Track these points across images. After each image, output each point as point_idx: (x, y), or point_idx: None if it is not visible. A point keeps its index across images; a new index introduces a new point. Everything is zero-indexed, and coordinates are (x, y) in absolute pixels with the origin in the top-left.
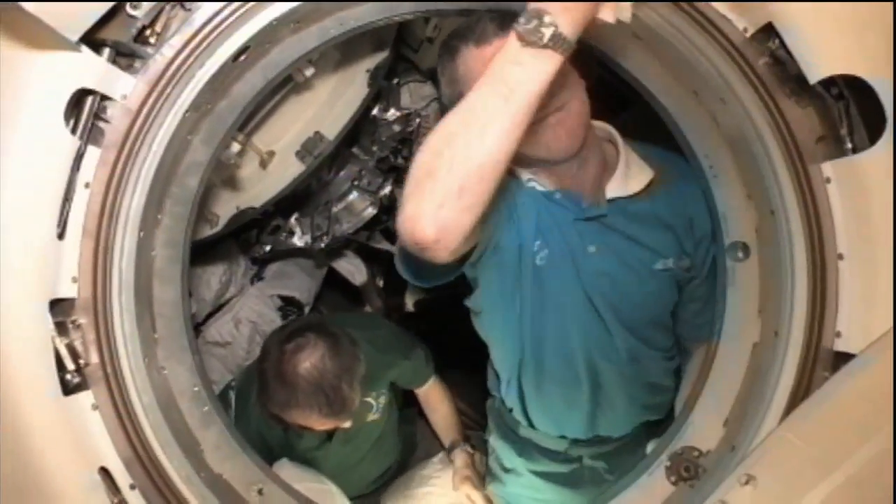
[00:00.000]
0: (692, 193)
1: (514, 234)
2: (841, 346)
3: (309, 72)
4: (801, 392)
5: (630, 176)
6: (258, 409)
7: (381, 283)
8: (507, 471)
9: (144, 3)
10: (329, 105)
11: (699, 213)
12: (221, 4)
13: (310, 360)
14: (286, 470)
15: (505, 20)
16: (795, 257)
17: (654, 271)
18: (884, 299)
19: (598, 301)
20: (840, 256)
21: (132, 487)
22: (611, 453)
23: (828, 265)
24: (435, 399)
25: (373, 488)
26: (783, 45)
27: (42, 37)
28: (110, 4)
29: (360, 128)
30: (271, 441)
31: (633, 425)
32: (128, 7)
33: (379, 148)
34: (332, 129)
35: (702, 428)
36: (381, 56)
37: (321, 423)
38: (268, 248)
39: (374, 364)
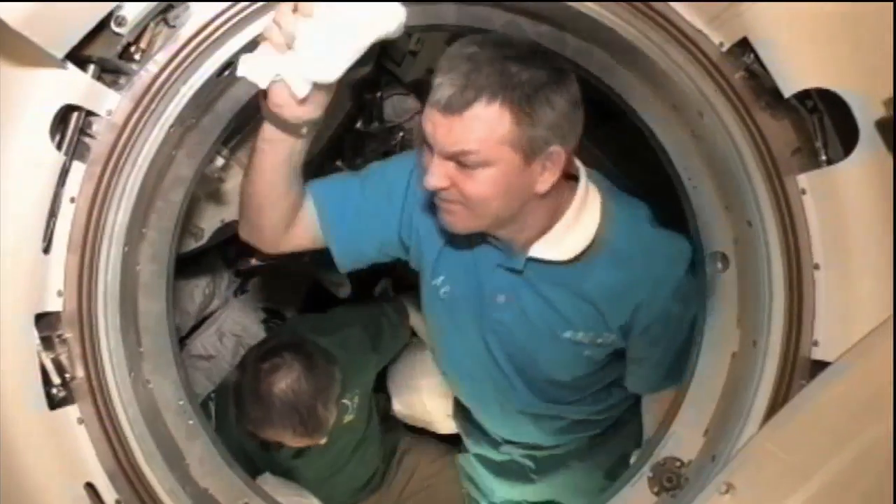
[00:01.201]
0: (648, 279)
1: (416, 253)
2: (818, 354)
3: None
4: (780, 401)
5: (563, 243)
6: (236, 423)
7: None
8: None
9: (129, 21)
10: None
11: (648, 302)
12: (205, 21)
13: (285, 380)
14: (269, 484)
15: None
16: (773, 268)
17: (561, 338)
18: (860, 308)
19: (494, 348)
20: (816, 266)
21: (118, 503)
22: (543, 457)
23: (804, 275)
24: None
25: (358, 497)
26: (758, 59)
27: (27, 54)
28: (95, 22)
29: (344, 141)
30: (251, 452)
31: (561, 441)
32: (112, 24)
33: (363, 161)
34: (315, 143)
35: (682, 438)
36: (363, 71)
37: (295, 441)
38: (252, 261)
39: (348, 369)
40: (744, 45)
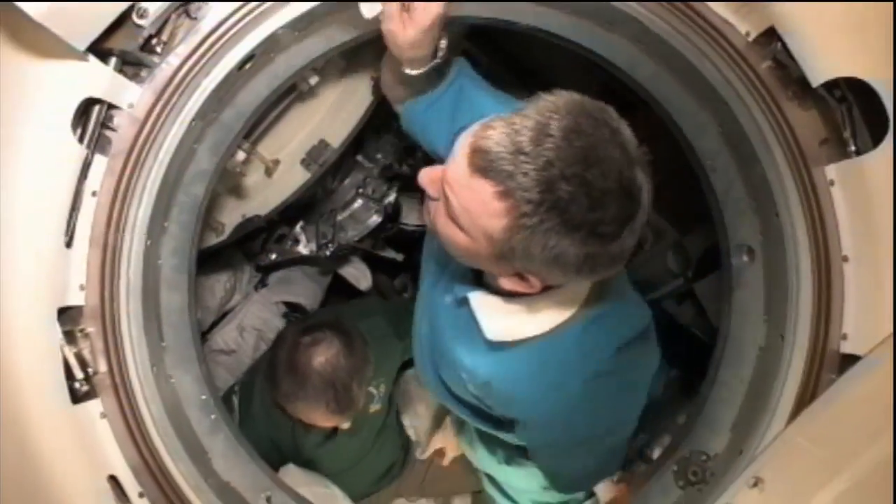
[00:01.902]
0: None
1: None
2: (847, 348)
3: (314, 80)
4: (808, 395)
5: (493, 317)
6: (263, 407)
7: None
8: None
9: (151, 13)
10: (334, 113)
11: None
12: (227, 13)
13: (325, 355)
14: (291, 475)
15: None
16: (800, 260)
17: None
18: (889, 301)
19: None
20: (845, 259)
21: (141, 495)
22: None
23: (833, 268)
24: None
25: (378, 486)
26: (785, 48)
27: (50, 46)
28: (117, 14)
29: (366, 136)
30: (278, 439)
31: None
32: (134, 17)
33: (383, 156)
34: (337, 137)
35: (709, 433)
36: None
37: (324, 420)
38: (273, 256)
39: (376, 357)
40: (771, 35)
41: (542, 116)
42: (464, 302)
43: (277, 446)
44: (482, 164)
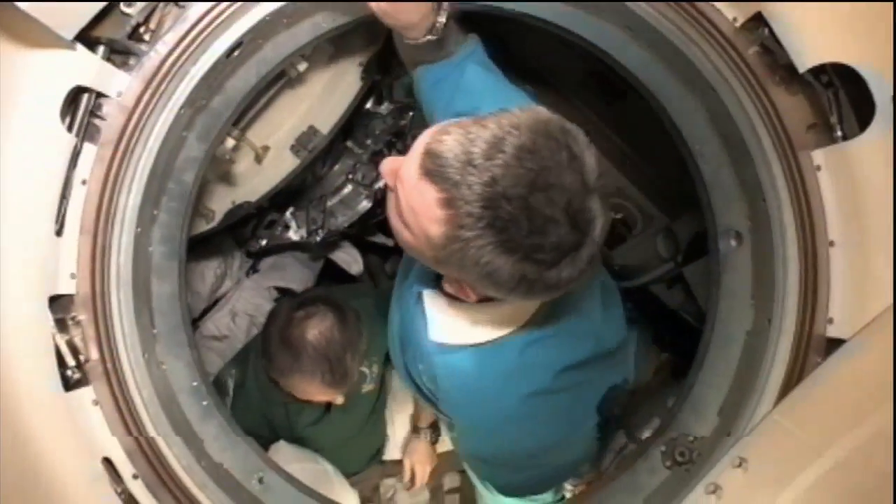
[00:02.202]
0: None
1: None
2: (833, 332)
3: (302, 66)
4: (795, 379)
5: (438, 318)
6: (256, 384)
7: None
8: None
9: (138, 1)
10: (323, 99)
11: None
12: (214, 1)
13: (318, 328)
14: (283, 451)
15: None
16: (787, 245)
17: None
18: (875, 286)
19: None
20: (831, 244)
21: (135, 477)
22: None
23: (819, 252)
24: None
25: (366, 466)
26: (772, 34)
27: (37, 35)
28: (104, 3)
29: (354, 121)
30: (272, 416)
31: None
32: (122, 5)
33: (373, 141)
34: (326, 123)
35: (696, 415)
36: (373, 49)
37: (320, 393)
38: (263, 242)
39: (367, 335)
40: (758, 21)
41: (501, 130)
42: (420, 297)
43: (270, 423)
44: (431, 167)
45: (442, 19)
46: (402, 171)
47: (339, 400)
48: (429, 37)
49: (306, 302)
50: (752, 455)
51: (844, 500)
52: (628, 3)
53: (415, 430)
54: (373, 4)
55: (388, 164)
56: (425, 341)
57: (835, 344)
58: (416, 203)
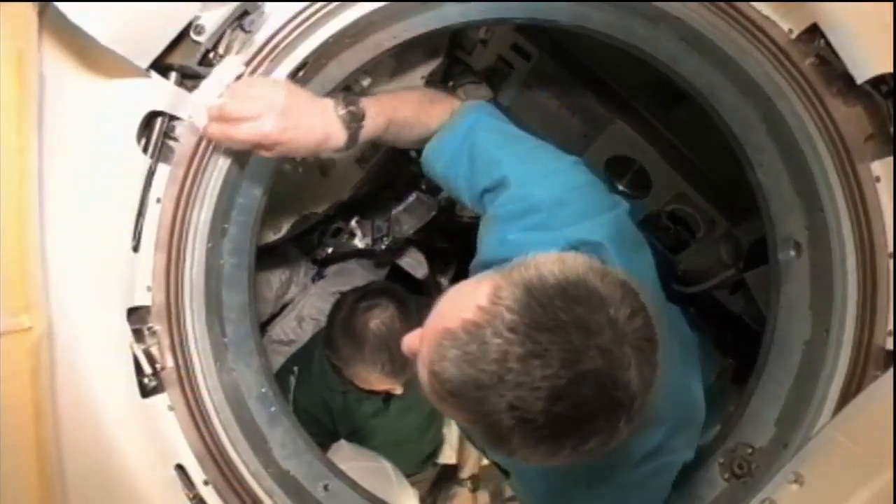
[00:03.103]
0: None
1: None
2: (892, 345)
3: (366, 82)
4: (853, 390)
5: None
6: (321, 372)
7: (443, 280)
8: None
9: (207, 29)
10: None
11: None
12: (279, 25)
13: (380, 317)
14: (344, 450)
15: None
16: (846, 255)
17: None
18: None
19: None
20: (891, 255)
21: (206, 483)
22: None
23: (878, 264)
24: None
25: (423, 469)
26: (829, 45)
27: (115, 65)
28: (176, 33)
29: None
30: (332, 404)
31: None
32: (192, 34)
33: None
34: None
35: (754, 426)
36: (435, 63)
37: (380, 382)
38: (330, 250)
39: None
40: (813, 32)
41: (498, 336)
42: None
43: (330, 411)
44: (444, 392)
45: (342, 111)
46: (422, 384)
47: (399, 390)
48: (354, 140)
49: (370, 293)
50: (808, 471)
51: None
52: (683, 17)
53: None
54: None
55: (408, 344)
56: None
57: (894, 356)
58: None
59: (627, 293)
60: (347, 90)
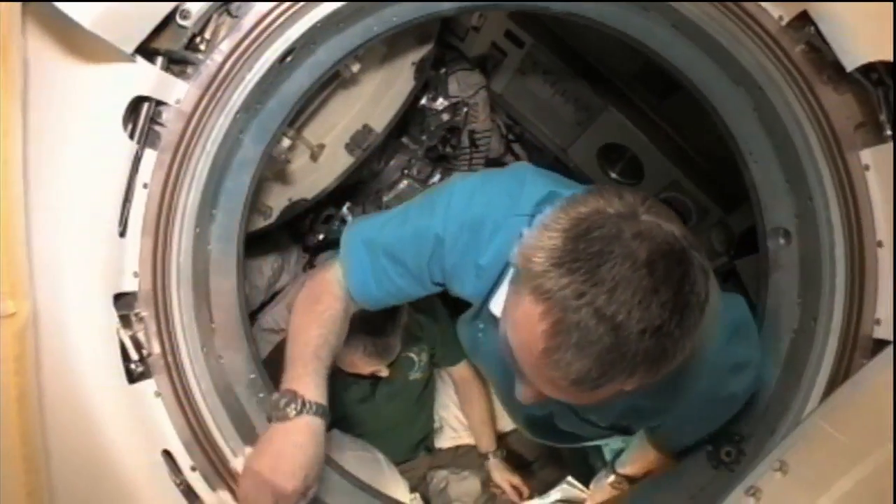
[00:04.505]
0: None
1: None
2: (880, 333)
3: (355, 67)
4: (840, 378)
5: None
6: None
7: None
8: None
9: (193, 14)
10: (376, 99)
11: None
12: (267, 9)
13: None
14: (336, 440)
15: None
16: (834, 244)
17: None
18: None
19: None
20: (879, 244)
21: (193, 469)
22: None
23: (867, 252)
24: (469, 387)
25: (413, 455)
26: (818, 32)
27: (100, 50)
28: (161, 17)
29: (410, 118)
30: None
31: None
32: (178, 18)
33: (428, 137)
34: (380, 121)
35: (744, 413)
36: (426, 49)
37: (364, 364)
38: (321, 236)
39: (415, 320)
40: (804, 19)
41: (583, 309)
42: None
43: None
44: (585, 383)
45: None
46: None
47: (384, 372)
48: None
49: None
50: (792, 459)
51: None
52: (674, 4)
53: (480, 455)
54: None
55: (526, 398)
56: (635, 397)
57: (881, 345)
58: (601, 396)
59: (618, 204)
60: (336, 76)
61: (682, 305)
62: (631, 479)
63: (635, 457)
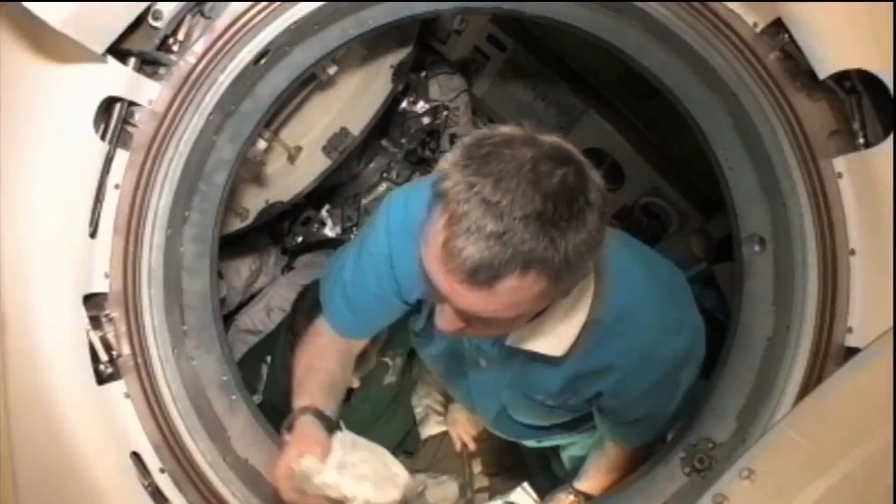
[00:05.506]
0: (635, 352)
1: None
2: (852, 341)
3: (332, 70)
4: (812, 386)
5: (554, 334)
6: (282, 358)
7: None
8: None
9: (165, 15)
10: (354, 101)
11: (630, 372)
12: (241, 10)
13: None
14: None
15: None
16: (807, 251)
17: (533, 398)
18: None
19: (474, 396)
20: (852, 252)
21: (162, 471)
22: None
23: (839, 260)
24: None
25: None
26: (792, 39)
27: (70, 51)
28: (132, 18)
29: (390, 120)
30: None
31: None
32: (149, 19)
33: (408, 140)
34: (357, 124)
35: (716, 420)
36: (404, 52)
37: None
38: (299, 238)
39: (394, 327)
40: (778, 26)
41: (472, 200)
42: (511, 351)
43: None
44: (479, 276)
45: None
46: (462, 309)
47: (355, 383)
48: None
49: None
50: (760, 466)
51: None
52: (647, 9)
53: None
54: None
55: (448, 319)
56: (573, 364)
57: (853, 353)
58: (502, 302)
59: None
60: (313, 78)
61: (567, 199)
62: (588, 497)
63: (594, 470)
